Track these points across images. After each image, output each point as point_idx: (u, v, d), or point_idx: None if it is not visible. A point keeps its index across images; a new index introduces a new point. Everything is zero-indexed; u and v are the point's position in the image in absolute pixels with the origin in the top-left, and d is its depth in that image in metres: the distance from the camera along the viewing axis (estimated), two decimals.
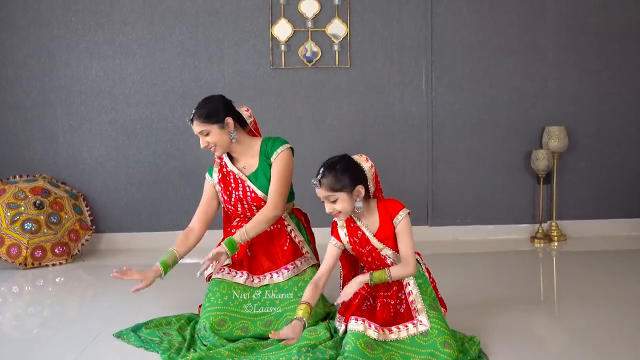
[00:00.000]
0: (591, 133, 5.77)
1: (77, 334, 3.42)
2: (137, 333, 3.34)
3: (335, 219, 3.07)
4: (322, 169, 2.94)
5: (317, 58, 5.55)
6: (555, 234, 5.61)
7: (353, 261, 3.27)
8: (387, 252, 3.05)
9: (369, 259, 3.10)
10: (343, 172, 2.92)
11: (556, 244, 5.55)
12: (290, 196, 3.56)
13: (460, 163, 5.70)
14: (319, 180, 2.91)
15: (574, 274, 4.60)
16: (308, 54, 5.54)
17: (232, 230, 3.48)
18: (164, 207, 5.61)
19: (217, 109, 3.36)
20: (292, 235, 3.49)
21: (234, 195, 3.43)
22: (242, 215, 3.48)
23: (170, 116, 5.54)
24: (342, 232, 3.10)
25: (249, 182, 3.40)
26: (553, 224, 5.65)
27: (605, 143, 5.79)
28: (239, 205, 3.44)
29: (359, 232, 3.07)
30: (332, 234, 3.15)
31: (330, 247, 3.12)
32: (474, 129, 5.70)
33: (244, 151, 3.46)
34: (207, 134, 3.34)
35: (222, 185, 3.46)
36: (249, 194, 3.40)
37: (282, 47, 5.52)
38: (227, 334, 3.19)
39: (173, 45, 5.52)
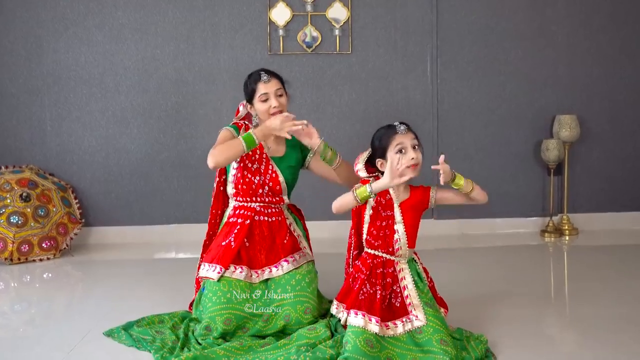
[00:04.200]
0: (604, 122, 5.75)
1: (66, 332, 3.41)
2: (128, 331, 3.33)
3: (407, 175, 3.00)
4: (398, 122, 3.10)
5: (317, 43, 5.52)
6: (566, 227, 5.60)
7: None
8: (399, 227, 3.09)
9: (381, 225, 3.11)
10: None
11: (567, 238, 5.53)
12: (290, 194, 3.60)
13: (466, 153, 5.68)
14: (407, 127, 3.08)
15: (586, 269, 4.59)
16: (307, 39, 5.52)
17: (231, 220, 3.47)
18: (157, 199, 5.59)
19: (283, 78, 3.54)
20: (292, 228, 3.52)
21: (255, 166, 3.45)
22: (251, 192, 3.45)
23: (164, 104, 5.52)
24: None
25: (272, 162, 3.47)
26: (564, 217, 5.64)
27: (618, 132, 5.77)
28: (257, 178, 3.44)
29: (388, 195, 3.11)
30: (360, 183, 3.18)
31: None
32: (482, 118, 5.68)
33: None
34: (281, 96, 3.45)
35: (249, 152, 3.44)
36: (270, 172, 3.45)
37: (281, 32, 5.49)
38: (231, 334, 3.20)
39: (166, 30, 5.49)
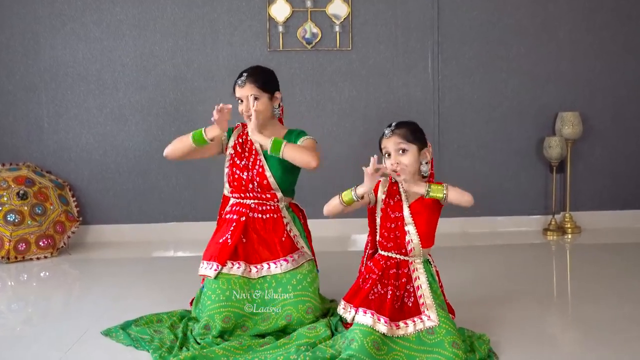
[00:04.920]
0: (607, 119, 5.74)
1: (63, 331, 3.40)
2: (126, 331, 3.33)
3: (396, 178, 2.99)
4: (394, 123, 3.05)
5: (317, 40, 5.51)
6: (568, 225, 5.59)
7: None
8: (410, 228, 3.05)
9: (391, 226, 3.09)
10: (416, 129, 3.07)
11: (570, 236, 5.53)
12: (291, 192, 3.60)
13: (468, 151, 5.68)
14: (392, 130, 3.02)
15: (589, 268, 4.58)
16: (307, 36, 5.51)
17: (227, 217, 3.51)
18: (155, 197, 5.59)
19: (272, 80, 3.54)
20: (288, 228, 3.50)
21: (243, 163, 3.49)
22: (243, 188, 3.49)
23: (162, 101, 5.51)
24: (382, 189, 3.14)
25: (261, 157, 3.48)
26: (566, 215, 5.63)
27: (621, 129, 5.76)
28: (245, 173, 3.48)
29: (397, 196, 3.10)
30: None
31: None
32: (483, 115, 5.67)
33: (269, 133, 3.51)
34: (256, 98, 3.44)
35: (238, 150, 3.53)
36: (257, 167, 3.46)
37: (280, 28, 5.48)
38: (230, 332, 3.20)
39: (165, 26, 5.48)
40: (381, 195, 3.13)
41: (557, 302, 3.90)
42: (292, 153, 3.33)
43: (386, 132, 3.03)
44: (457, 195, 2.92)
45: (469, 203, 2.93)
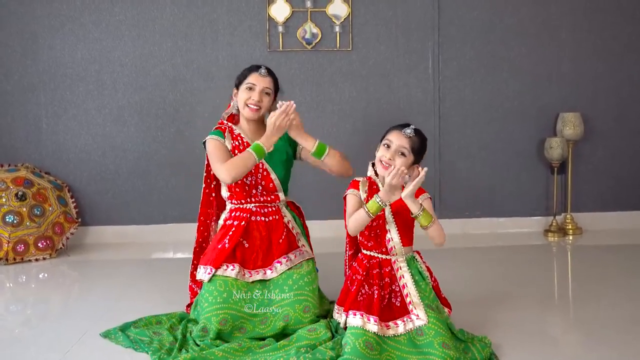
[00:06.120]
0: (609, 119, 5.75)
1: (62, 333, 3.41)
2: (125, 332, 3.33)
3: (384, 171, 3.05)
4: (414, 128, 3.08)
5: (317, 40, 5.52)
6: (570, 227, 5.60)
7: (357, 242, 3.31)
8: (391, 227, 3.11)
9: (372, 225, 3.13)
10: (424, 146, 3.13)
11: (571, 237, 5.53)
12: (287, 190, 3.61)
13: (469, 152, 5.68)
14: (412, 135, 3.05)
15: (590, 269, 4.59)
16: (307, 36, 5.51)
17: (227, 222, 3.48)
18: (154, 198, 5.59)
19: (279, 86, 3.60)
20: (290, 226, 3.52)
21: None
22: (245, 194, 3.47)
23: (161, 102, 5.52)
24: (363, 189, 3.17)
25: (263, 160, 3.42)
26: (568, 216, 5.64)
27: (623, 130, 5.76)
28: (248, 179, 3.45)
29: None
30: (349, 188, 3.21)
31: (350, 197, 3.19)
32: (484, 116, 5.67)
33: (261, 131, 3.51)
34: (268, 94, 3.48)
35: (236, 153, 3.45)
36: (260, 171, 3.45)
37: (280, 29, 5.49)
38: (227, 334, 3.20)
39: (164, 26, 5.48)
40: (363, 194, 3.17)
41: (558, 303, 3.90)
42: (333, 160, 3.36)
43: (407, 131, 3.05)
44: (436, 233, 3.02)
45: (439, 245, 3.05)
